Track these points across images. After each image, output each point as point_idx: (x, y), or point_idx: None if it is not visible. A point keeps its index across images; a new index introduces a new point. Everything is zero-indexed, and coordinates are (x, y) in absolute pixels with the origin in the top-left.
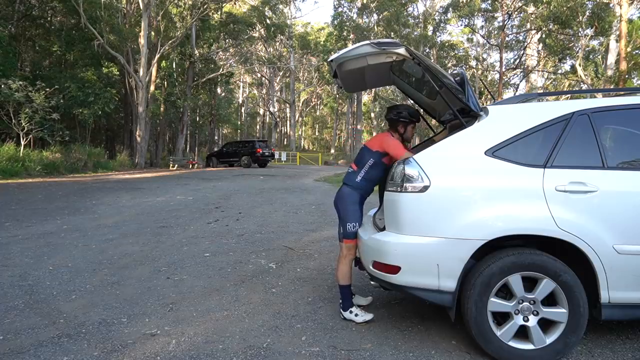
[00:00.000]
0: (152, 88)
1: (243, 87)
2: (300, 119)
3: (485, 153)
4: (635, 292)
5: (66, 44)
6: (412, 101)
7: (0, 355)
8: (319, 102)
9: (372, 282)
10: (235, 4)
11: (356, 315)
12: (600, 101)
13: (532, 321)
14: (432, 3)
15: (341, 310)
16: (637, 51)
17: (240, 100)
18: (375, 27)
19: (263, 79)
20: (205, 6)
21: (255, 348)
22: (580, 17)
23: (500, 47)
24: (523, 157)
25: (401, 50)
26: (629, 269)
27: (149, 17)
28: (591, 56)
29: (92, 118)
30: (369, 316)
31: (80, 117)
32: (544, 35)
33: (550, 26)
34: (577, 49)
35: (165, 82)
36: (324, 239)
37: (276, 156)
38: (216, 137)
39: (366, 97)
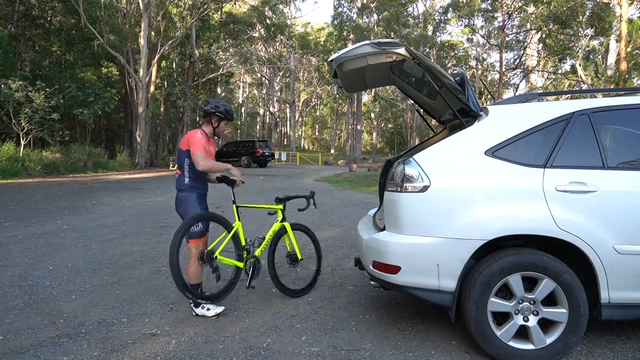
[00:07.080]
0: (152, 88)
1: (243, 87)
2: (300, 119)
3: (485, 153)
4: (635, 292)
5: (66, 44)
6: (412, 101)
7: (0, 355)
8: (319, 102)
9: (372, 282)
10: (235, 4)
11: (208, 309)
12: (600, 101)
13: (532, 321)
14: (432, 3)
15: (193, 307)
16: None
17: (240, 100)
18: (375, 27)
19: (263, 79)
20: (205, 6)
21: (255, 348)
22: (580, 17)
23: (500, 47)
24: (523, 157)
25: (401, 50)
26: (629, 269)
27: (149, 17)
28: (591, 56)
29: (92, 118)
30: (220, 308)
31: (80, 117)
32: (544, 35)
33: (550, 26)
34: (577, 49)
35: (165, 82)
36: (324, 239)
37: (276, 156)
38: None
39: (366, 97)
